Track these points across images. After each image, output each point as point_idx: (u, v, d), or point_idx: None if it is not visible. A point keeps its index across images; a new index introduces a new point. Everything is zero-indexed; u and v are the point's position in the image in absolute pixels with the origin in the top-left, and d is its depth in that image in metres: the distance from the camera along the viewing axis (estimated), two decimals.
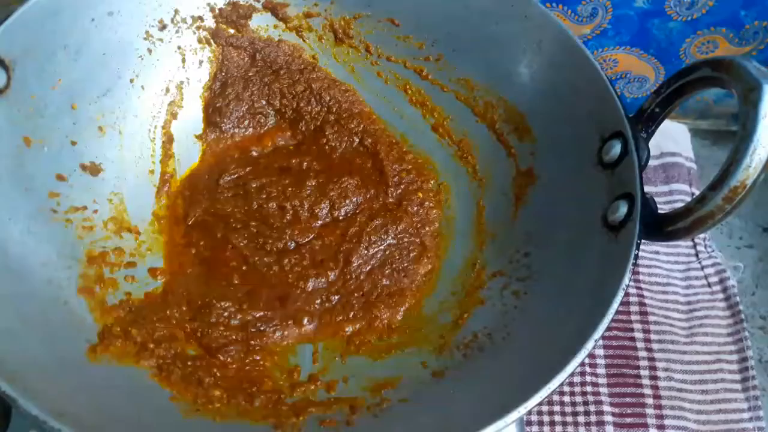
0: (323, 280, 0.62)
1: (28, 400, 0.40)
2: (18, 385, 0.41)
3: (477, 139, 0.67)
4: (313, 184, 0.66)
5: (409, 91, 0.70)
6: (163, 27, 0.65)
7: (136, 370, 0.52)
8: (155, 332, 0.54)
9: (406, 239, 0.65)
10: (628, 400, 0.63)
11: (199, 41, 0.68)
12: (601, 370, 0.65)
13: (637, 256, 0.47)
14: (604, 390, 0.64)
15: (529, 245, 0.60)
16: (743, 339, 0.66)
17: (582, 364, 0.55)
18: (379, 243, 0.64)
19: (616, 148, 0.52)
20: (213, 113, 0.69)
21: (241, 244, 0.63)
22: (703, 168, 0.78)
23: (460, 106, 0.68)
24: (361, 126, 0.70)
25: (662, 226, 0.48)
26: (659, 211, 0.49)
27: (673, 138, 0.78)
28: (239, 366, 0.56)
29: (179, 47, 0.67)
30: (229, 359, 0.56)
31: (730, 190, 0.42)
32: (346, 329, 0.60)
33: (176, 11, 0.66)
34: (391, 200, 0.67)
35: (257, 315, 0.59)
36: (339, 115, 0.70)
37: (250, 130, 0.70)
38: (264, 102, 0.70)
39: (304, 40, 0.71)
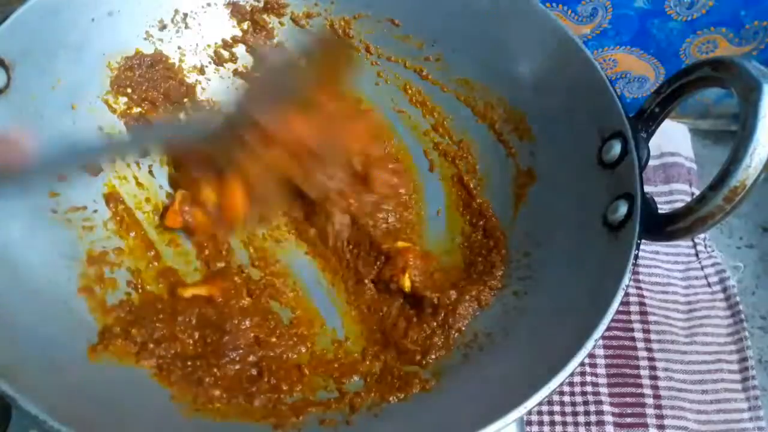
0: None
1: (28, 400, 0.40)
2: (18, 385, 0.41)
3: (477, 139, 0.67)
4: None
5: (409, 91, 0.70)
6: (163, 27, 0.65)
7: (136, 370, 0.52)
8: (155, 332, 0.54)
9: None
10: (628, 400, 0.63)
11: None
12: (601, 370, 0.65)
13: (637, 256, 0.47)
14: (604, 390, 0.64)
15: (529, 245, 0.59)
16: (743, 339, 0.66)
17: (582, 364, 0.55)
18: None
19: (616, 148, 0.52)
20: None
21: None
22: (703, 168, 0.78)
23: (460, 106, 0.68)
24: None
25: (662, 226, 0.48)
26: (659, 211, 0.49)
27: (673, 138, 0.78)
28: (240, 367, 0.56)
29: (179, 47, 0.67)
30: None
31: (730, 190, 0.42)
32: None
33: (176, 11, 0.65)
34: None
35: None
36: None
37: None
38: None
39: None
